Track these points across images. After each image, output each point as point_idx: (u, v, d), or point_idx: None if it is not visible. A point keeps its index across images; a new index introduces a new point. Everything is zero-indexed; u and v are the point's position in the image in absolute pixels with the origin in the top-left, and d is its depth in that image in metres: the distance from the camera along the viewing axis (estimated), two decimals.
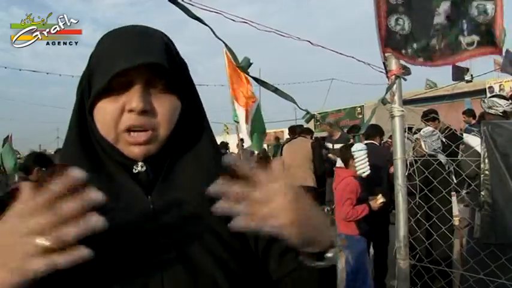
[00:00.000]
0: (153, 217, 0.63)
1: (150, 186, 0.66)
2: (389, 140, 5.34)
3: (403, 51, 1.85)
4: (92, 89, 0.64)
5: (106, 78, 0.61)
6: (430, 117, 4.55)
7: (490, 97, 3.20)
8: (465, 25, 1.88)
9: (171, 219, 0.63)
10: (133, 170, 0.65)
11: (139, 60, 0.62)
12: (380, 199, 3.08)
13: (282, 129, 15.41)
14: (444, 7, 1.85)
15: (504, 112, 2.84)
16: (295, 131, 6.11)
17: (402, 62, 1.89)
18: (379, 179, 3.67)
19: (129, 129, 0.63)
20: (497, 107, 2.86)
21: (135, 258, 0.60)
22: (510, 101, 2.92)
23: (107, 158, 0.66)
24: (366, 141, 4.25)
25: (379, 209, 3.14)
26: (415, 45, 1.85)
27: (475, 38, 1.89)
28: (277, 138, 10.98)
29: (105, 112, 0.64)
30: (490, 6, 1.86)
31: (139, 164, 0.66)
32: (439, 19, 1.86)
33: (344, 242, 3.32)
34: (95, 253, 0.47)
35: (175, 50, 0.70)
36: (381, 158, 3.80)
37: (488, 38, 1.88)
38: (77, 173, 0.45)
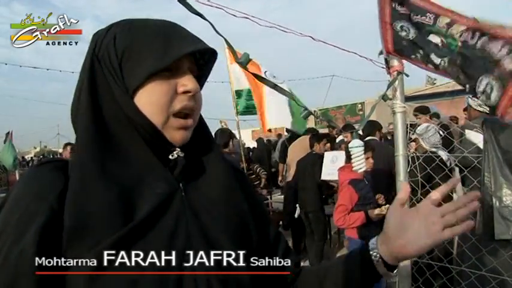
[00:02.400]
0: (184, 203, 0.63)
1: (181, 173, 0.65)
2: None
3: (413, 56, 1.81)
4: (138, 69, 0.61)
5: (169, 58, 0.60)
6: (421, 109, 4.55)
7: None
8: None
9: (200, 206, 0.64)
10: (170, 156, 0.64)
11: (202, 45, 0.64)
12: (382, 212, 2.88)
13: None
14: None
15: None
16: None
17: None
18: (385, 185, 3.35)
19: (180, 112, 0.63)
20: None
21: (162, 242, 0.58)
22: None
23: (136, 144, 0.62)
24: (367, 138, 4.20)
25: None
26: (421, 52, 1.80)
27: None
28: (279, 135, 10.65)
29: (159, 93, 0.62)
30: (495, 94, 1.57)
31: (178, 150, 0.65)
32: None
33: (347, 243, 3.31)
34: (128, 238, 0.54)
35: None
36: (385, 159, 3.50)
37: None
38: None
